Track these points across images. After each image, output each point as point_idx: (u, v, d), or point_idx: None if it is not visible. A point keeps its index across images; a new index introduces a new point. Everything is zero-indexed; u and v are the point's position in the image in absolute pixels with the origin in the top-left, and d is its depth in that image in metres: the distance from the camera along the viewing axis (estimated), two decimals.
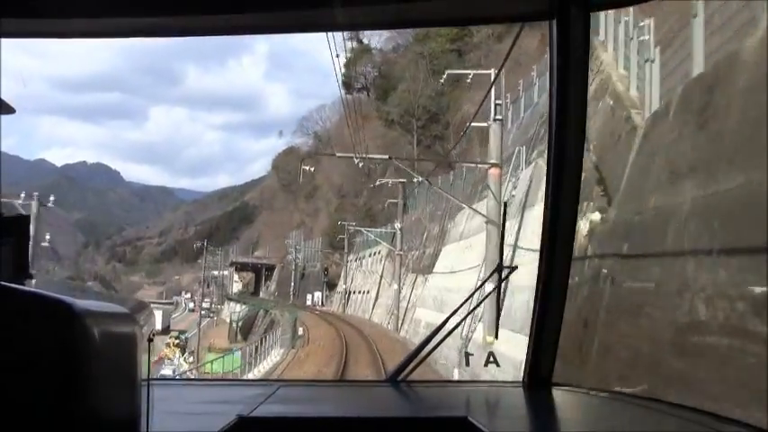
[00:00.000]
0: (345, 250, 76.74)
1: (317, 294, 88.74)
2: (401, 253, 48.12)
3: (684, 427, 2.14)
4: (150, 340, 1.23)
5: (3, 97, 1.77)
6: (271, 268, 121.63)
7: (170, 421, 1.85)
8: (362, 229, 65.69)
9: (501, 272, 2.74)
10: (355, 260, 76.50)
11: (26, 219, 1.43)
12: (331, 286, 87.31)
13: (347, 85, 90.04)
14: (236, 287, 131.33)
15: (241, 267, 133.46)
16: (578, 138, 2.61)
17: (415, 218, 54.21)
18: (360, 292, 68.95)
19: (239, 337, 75.43)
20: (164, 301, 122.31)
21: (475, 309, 2.92)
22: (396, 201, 54.35)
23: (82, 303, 0.93)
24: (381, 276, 58.55)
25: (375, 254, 64.98)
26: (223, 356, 42.50)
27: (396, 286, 47.04)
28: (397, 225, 49.09)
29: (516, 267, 2.75)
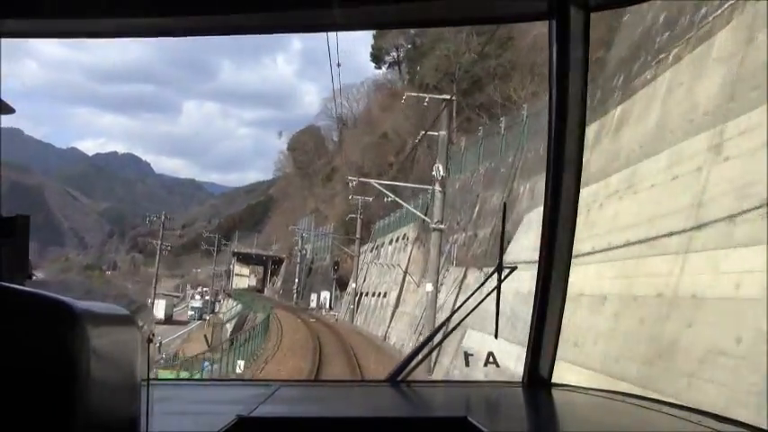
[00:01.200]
0: (357, 233, 62.59)
1: (325, 295, 74.24)
2: (442, 227, 30.05)
3: (684, 427, 2.13)
4: (150, 341, 1.24)
5: (2, 97, 1.77)
6: (279, 262, 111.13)
7: (169, 422, 1.85)
8: (379, 185, 43.35)
9: (501, 271, 2.74)
10: (371, 250, 60.90)
11: (26, 219, 1.44)
12: (342, 285, 69.75)
13: (377, 58, 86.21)
14: (244, 282, 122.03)
15: (243, 259, 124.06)
16: (578, 138, 2.61)
17: (460, 184, 36.79)
18: (374, 295, 50.96)
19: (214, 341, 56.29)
20: (171, 292, 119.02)
21: (475, 309, 2.92)
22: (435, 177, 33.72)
23: (81, 304, 0.93)
24: (406, 272, 41.72)
25: (398, 239, 49.26)
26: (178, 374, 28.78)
27: (428, 287, 29.68)
28: (437, 187, 30.04)
29: (516, 267, 2.75)
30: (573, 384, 2.83)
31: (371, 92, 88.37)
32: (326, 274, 76.45)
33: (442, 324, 3.05)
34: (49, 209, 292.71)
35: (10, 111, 1.82)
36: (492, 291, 2.74)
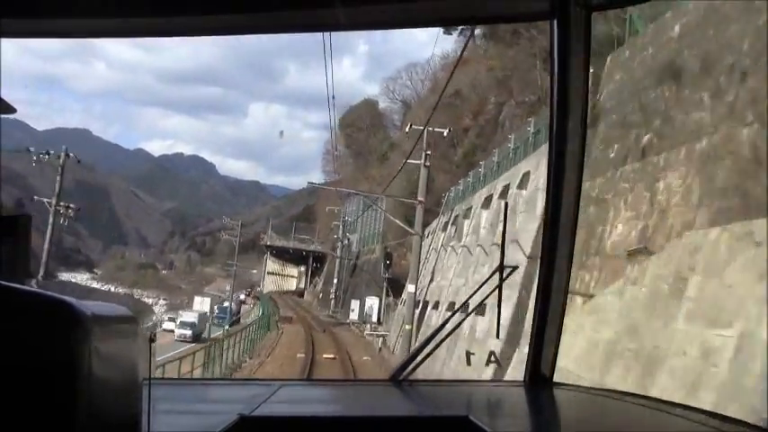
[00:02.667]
0: (418, 198, 32.63)
1: (372, 302, 51.44)
2: None
3: (685, 426, 2.14)
4: (152, 340, 1.23)
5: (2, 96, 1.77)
6: (321, 258, 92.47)
7: (171, 421, 1.85)
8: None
9: (502, 271, 2.74)
10: (443, 227, 39.10)
11: (27, 218, 1.43)
12: (398, 288, 45.23)
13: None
14: (291, 284, 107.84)
15: (278, 254, 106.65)
16: (579, 137, 2.61)
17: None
18: (451, 308, 26.34)
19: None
20: (221, 293, 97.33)
21: (476, 308, 2.92)
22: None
23: (83, 304, 0.93)
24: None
25: (501, 194, 26.69)
26: None
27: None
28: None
29: (517, 267, 2.76)
30: (574, 384, 2.83)
31: (437, 69, 70.56)
32: (376, 273, 53.83)
33: (444, 323, 3.05)
34: (114, 208, 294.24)
35: (11, 110, 1.81)
36: (494, 290, 2.75)
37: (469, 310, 3.11)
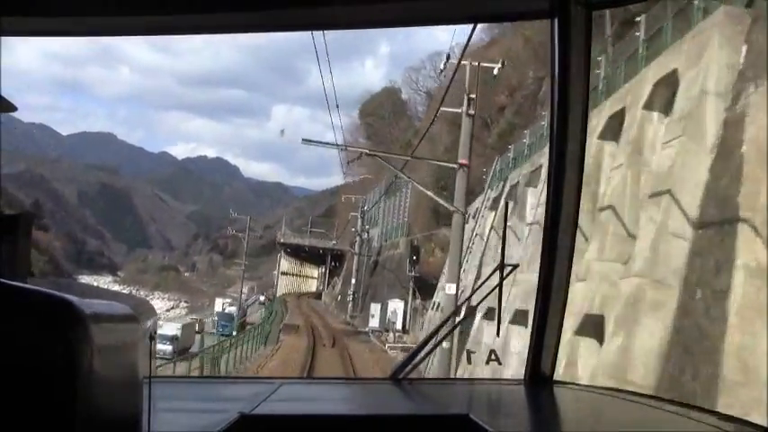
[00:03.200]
0: (459, 162, 22.31)
1: (395, 306, 43.65)
2: None
3: (686, 425, 2.13)
4: (152, 338, 1.24)
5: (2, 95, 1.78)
6: (339, 257, 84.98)
7: (172, 419, 1.86)
8: None
9: (502, 270, 2.74)
10: (491, 205, 30.80)
11: (28, 217, 1.44)
12: (426, 289, 40.26)
13: None
14: (311, 285, 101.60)
15: (293, 253, 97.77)
16: (580, 137, 2.61)
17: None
18: (516, 318, 19.14)
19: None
20: (236, 294, 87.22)
21: (476, 307, 2.92)
22: None
23: (83, 302, 0.93)
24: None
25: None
26: None
27: None
28: None
29: (518, 265, 2.76)
30: (574, 382, 2.83)
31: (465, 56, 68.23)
32: (400, 272, 46.27)
33: (444, 321, 3.05)
34: (138, 211, 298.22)
35: (12, 108, 1.83)
36: (494, 288, 2.75)
37: (469, 310, 3.11)
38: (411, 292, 42.31)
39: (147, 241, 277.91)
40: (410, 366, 2.81)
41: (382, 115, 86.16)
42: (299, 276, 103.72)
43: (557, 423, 2.57)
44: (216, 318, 62.46)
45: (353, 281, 58.73)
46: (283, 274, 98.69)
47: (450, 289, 21.98)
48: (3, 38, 2.14)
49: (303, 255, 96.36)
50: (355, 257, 61.44)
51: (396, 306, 44.07)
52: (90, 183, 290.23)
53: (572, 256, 2.71)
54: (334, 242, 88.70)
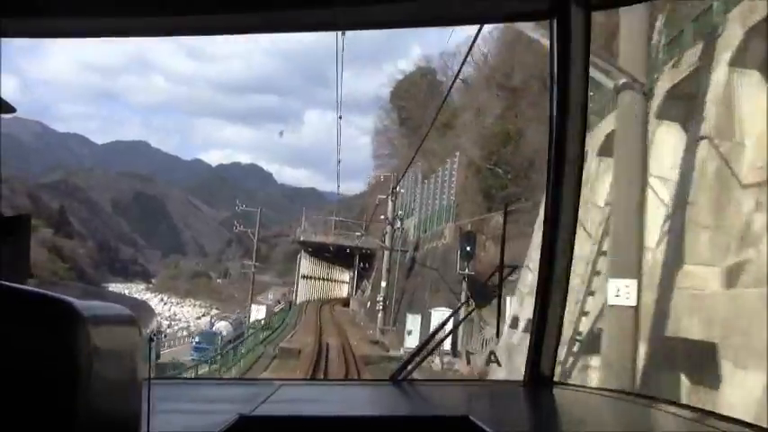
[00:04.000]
0: None
1: (441, 316, 25.26)
2: None
3: (685, 426, 2.13)
4: (151, 340, 1.25)
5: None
6: (369, 257, 72.72)
7: (171, 420, 1.87)
8: None
9: (502, 271, 2.74)
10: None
11: (27, 218, 1.47)
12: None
13: None
14: (343, 290, 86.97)
15: (316, 252, 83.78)
16: (579, 137, 2.61)
17: None
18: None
19: None
20: (269, 301, 79.65)
21: (475, 307, 2.92)
22: None
23: (82, 303, 0.93)
24: None
25: None
26: None
27: None
28: None
29: (516, 266, 2.76)
30: (574, 383, 2.81)
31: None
32: (447, 269, 34.99)
33: (443, 323, 3.05)
34: (172, 218, 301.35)
35: (11, 110, 1.86)
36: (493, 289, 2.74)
37: (469, 309, 3.11)
38: (464, 297, 25.76)
39: (182, 248, 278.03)
40: (410, 368, 2.81)
41: (416, 96, 74.13)
42: (327, 280, 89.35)
43: (556, 424, 2.56)
44: (195, 339, 47.77)
45: (384, 284, 44.59)
46: (305, 277, 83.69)
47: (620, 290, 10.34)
48: (3, 39, 2.18)
49: (327, 255, 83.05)
50: (385, 254, 46.51)
51: (441, 317, 23.97)
52: (124, 191, 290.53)
53: (571, 256, 2.70)
54: (359, 234, 72.60)
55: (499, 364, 2.78)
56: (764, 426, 1.99)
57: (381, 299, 44.08)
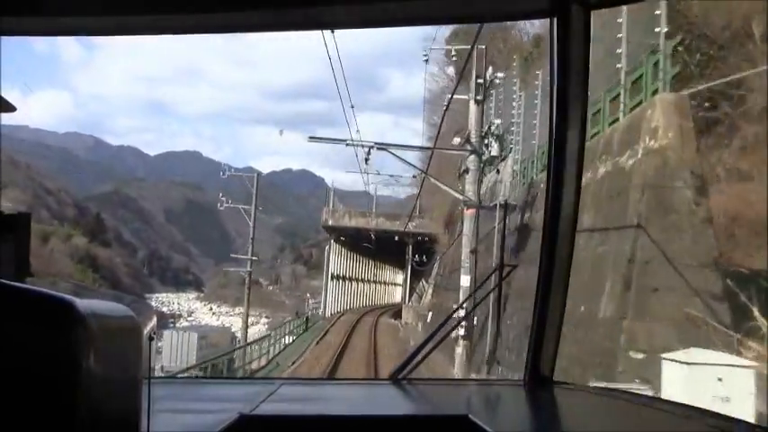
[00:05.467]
0: None
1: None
2: None
3: (685, 426, 2.13)
4: (151, 339, 1.24)
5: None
6: (426, 247, 53.25)
7: (171, 419, 1.87)
8: None
9: (501, 270, 2.74)
10: None
11: (27, 216, 1.46)
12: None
13: None
14: (396, 295, 67.05)
15: (350, 241, 63.35)
16: (579, 136, 2.60)
17: None
18: None
19: None
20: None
21: (476, 307, 2.92)
22: None
23: (83, 302, 0.93)
24: None
25: None
26: None
27: None
28: None
29: (517, 266, 2.76)
30: (574, 383, 2.81)
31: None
32: (673, 234, 10.54)
33: (443, 323, 3.05)
34: (224, 226, 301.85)
35: (11, 109, 1.86)
36: (493, 289, 2.74)
37: (470, 309, 3.11)
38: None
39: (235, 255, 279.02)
40: (410, 367, 2.81)
41: (481, 34, 45.16)
42: (372, 282, 68.65)
43: (556, 423, 2.56)
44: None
45: (466, 283, 20.52)
46: (336, 278, 62.98)
47: None
48: (3, 38, 2.17)
49: (365, 246, 61.98)
50: (467, 222, 22.27)
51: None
52: (175, 199, 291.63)
53: (571, 256, 2.70)
54: (413, 223, 52.81)
55: (498, 364, 2.77)
56: (764, 426, 1.99)
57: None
